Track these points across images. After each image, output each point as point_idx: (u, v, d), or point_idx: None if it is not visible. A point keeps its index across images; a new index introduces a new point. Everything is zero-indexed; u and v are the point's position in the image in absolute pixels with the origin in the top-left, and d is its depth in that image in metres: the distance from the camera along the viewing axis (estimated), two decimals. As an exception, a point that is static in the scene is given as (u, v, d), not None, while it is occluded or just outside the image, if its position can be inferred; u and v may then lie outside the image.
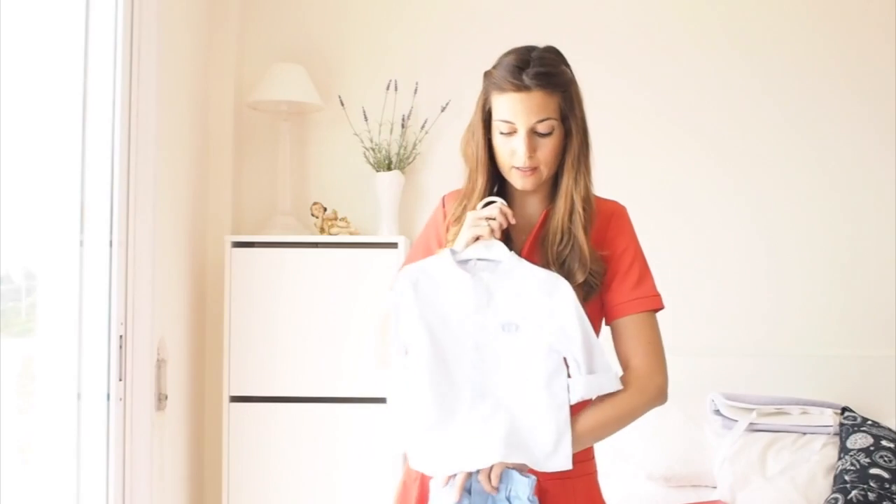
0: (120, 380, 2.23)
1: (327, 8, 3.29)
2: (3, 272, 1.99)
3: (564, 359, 1.53)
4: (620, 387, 1.57)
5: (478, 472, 1.49)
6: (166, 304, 2.65)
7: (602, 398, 1.55)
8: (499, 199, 1.61)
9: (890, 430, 2.66)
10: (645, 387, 1.57)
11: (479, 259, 1.58)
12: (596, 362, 1.53)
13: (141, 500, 2.32)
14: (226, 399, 2.91)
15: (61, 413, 2.14)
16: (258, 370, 2.91)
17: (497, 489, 1.48)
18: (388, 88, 3.13)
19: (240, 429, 2.90)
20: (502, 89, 1.56)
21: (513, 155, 1.58)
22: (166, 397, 2.58)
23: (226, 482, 2.90)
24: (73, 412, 2.16)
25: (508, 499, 1.49)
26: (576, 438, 1.51)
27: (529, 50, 1.58)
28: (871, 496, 2.41)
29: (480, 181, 1.64)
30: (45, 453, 2.13)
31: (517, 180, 1.60)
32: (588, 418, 1.54)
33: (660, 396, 1.58)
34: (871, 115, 3.21)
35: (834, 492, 2.48)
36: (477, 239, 1.58)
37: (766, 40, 3.25)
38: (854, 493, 2.43)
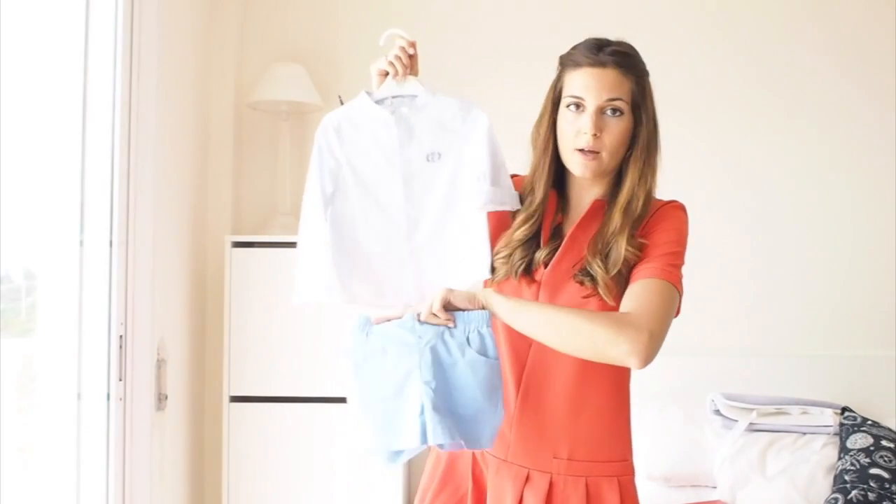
0: (120, 380, 2.23)
1: (327, 8, 3.29)
2: (3, 272, 1.99)
3: None
4: (520, 206, 1.58)
5: (417, 315, 1.47)
6: (166, 304, 2.65)
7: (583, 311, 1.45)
8: (398, 31, 1.65)
9: (890, 430, 2.66)
10: (623, 324, 1.39)
11: (394, 97, 1.63)
12: (501, 179, 1.57)
13: (141, 500, 2.31)
14: (226, 399, 2.90)
15: (61, 413, 2.14)
16: (258, 370, 2.91)
17: (452, 322, 1.45)
18: (387, 88, 3.12)
19: (240, 429, 2.90)
20: (578, 64, 1.53)
21: (577, 135, 1.52)
22: (166, 397, 2.58)
23: (226, 482, 2.90)
24: (73, 412, 2.16)
25: (468, 340, 1.46)
26: (537, 308, 1.44)
27: (608, 39, 1.56)
28: (871, 496, 2.41)
29: (544, 165, 1.59)
30: (45, 453, 2.12)
31: (577, 166, 1.53)
32: (554, 308, 1.45)
33: (633, 345, 1.37)
34: (871, 114, 3.21)
35: (834, 492, 2.48)
36: (384, 74, 1.63)
37: (765, 37, 3.25)
38: (854, 493, 2.43)
